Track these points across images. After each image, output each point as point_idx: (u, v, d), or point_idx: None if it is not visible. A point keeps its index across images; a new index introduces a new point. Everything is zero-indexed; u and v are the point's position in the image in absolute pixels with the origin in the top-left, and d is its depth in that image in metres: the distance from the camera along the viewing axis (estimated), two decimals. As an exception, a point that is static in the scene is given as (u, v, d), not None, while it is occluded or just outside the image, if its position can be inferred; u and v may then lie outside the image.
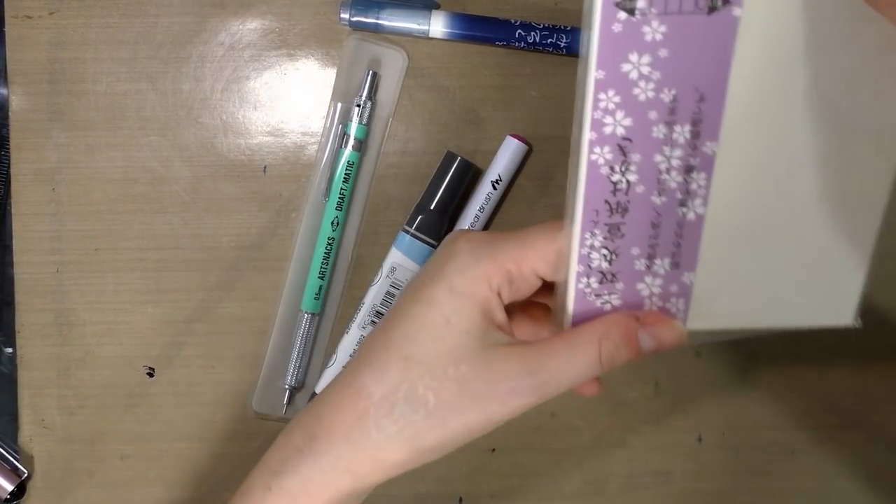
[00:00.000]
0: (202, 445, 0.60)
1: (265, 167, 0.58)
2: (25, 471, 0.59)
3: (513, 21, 0.56)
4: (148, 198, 0.58)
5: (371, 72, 0.57)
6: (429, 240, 0.56)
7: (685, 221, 0.38)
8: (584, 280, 0.39)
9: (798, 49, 0.34)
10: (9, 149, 0.58)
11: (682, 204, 0.37)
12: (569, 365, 0.38)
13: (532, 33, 0.56)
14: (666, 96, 0.34)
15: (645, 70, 0.34)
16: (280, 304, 0.59)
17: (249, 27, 0.58)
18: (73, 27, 0.58)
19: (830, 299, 0.41)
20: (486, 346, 0.39)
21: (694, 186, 0.37)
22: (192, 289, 0.59)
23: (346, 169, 0.57)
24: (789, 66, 0.35)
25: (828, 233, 0.39)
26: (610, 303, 0.40)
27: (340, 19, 0.57)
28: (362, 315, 0.57)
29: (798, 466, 0.60)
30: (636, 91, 0.34)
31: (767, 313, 0.41)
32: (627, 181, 0.36)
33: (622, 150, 0.35)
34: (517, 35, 0.56)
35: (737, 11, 0.33)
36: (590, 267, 0.38)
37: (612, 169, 0.36)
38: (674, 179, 0.36)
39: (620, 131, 0.35)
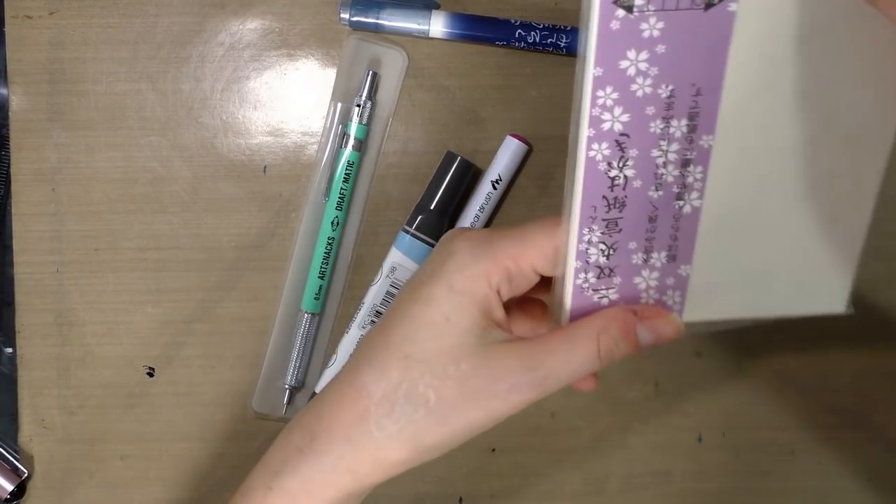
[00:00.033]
0: (202, 445, 0.60)
1: (265, 167, 0.59)
2: (25, 471, 0.60)
3: (513, 21, 0.57)
4: (148, 198, 0.59)
5: (371, 72, 0.58)
6: (429, 240, 0.57)
7: (682, 215, 0.39)
8: (582, 275, 0.40)
9: (793, 42, 0.35)
10: (9, 149, 0.59)
11: (679, 197, 0.38)
12: (568, 360, 0.39)
13: (532, 33, 0.57)
14: (663, 92, 0.35)
15: (643, 66, 0.35)
16: (280, 304, 0.59)
17: (249, 27, 0.59)
18: (73, 27, 0.59)
19: (823, 287, 0.42)
20: (486, 343, 0.39)
21: (690, 180, 0.38)
22: (192, 289, 0.60)
23: (346, 169, 0.58)
24: (784, 59, 0.36)
25: (820, 223, 0.40)
26: (607, 297, 0.40)
27: (340, 19, 0.57)
28: (362, 315, 0.58)
29: (798, 466, 0.61)
30: (634, 87, 0.35)
31: (763, 303, 0.42)
32: (625, 176, 0.37)
33: (620, 146, 0.36)
34: (517, 35, 0.57)
35: (733, 6, 0.34)
36: (587, 262, 0.39)
37: (609, 165, 0.37)
38: (671, 174, 0.37)
39: (618, 127, 0.36)
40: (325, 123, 0.59)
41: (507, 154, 0.57)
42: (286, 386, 0.59)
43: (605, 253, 0.39)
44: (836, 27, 0.35)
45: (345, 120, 0.58)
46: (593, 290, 0.40)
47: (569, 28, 0.57)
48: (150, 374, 0.60)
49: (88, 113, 0.59)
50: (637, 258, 0.40)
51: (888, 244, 0.59)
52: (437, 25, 0.57)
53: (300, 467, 0.41)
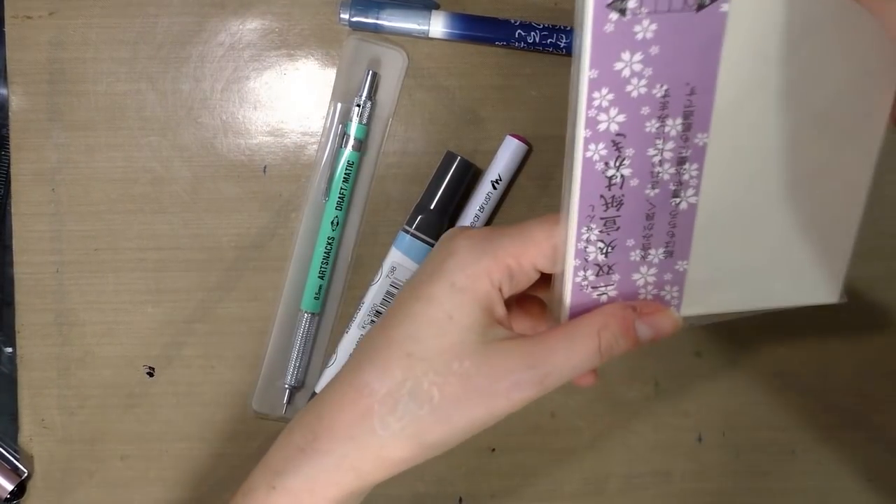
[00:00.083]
0: (202, 445, 0.61)
1: (265, 167, 0.60)
2: (25, 470, 0.61)
3: (512, 21, 0.58)
4: (148, 198, 0.60)
5: (371, 72, 0.59)
6: (429, 239, 0.58)
7: (678, 211, 0.40)
8: (581, 273, 0.41)
9: (784, 42, 0.37)
10: (9, 149, 0.60)
11: (675, 195, 0.40)
12: (569, 357, 0.40)
13: (532, 33, 0.58)
14: (658, 91, 0.37)
15: (637, 67, 0.36)
16: (280, 303, 0.61)
17: (249, 27, 0.60)
18: (73, 27, 0.60)
19: (818, 278, 0.43)
20: (488, 341, 0.40)
21: (686, 177, 0.39)
22: (192, 289, 0.61)
23: (346, 169, 0.59)
24: (776, 58, 0.37)
25: (814, 216, 0.42)
26: (606, 294, 0.42)
27: (340, 19, 0.58)
28: (362, 315, 0.59)
29: (798, 466, 0.62)
30: (629, 88, 0.36)
31: (759, 295, 0.44)
32: (622, 175, 0.39)
33: (616, 146, 0.38)
34: (517, 35, 0.58)
35: (724, 7, 0.35)
36: (586, 260, 0.41)
37: (606, 164, 0.38)
38: (667, 171, 0.39)
39: (614, 128, 0.37)
40: (325, 123, 0.60)
41: (506, 154, 0.58)
42: (286, 386, 0.60)
43: (604, 251, 0.41)
44: (826, 25, 0.37)
45: (345, 120, 0.59)
46: (592, 287, 0.42)
47: (568, 28, 0.58)
48: (150, 374, 0.61)
49: (88, 113, 0.60)
50: (635, 255, 0.41)
51: (887, 244, 0.60)
52: (437, 25, 0.58)
53: (303, 466, 0.42)
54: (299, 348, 0.60)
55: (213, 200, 0.61)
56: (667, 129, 0.38)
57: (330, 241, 0.59)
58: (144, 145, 0.60)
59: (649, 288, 0.42)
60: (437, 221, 0.58)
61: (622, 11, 0.34)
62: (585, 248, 0.40)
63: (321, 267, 0.60)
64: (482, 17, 0.59)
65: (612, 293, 0.42)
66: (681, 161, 0.39)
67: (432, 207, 0.58)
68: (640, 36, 0.35)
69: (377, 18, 0.58)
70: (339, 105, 0.60)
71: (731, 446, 0.62)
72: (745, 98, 0.38)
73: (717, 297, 0.43)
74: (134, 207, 0.61)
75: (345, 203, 0.59)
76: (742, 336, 0.61)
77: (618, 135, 0.38)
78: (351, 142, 0.59)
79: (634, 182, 0.39)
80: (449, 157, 0.59)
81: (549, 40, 0.58)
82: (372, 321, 0.59)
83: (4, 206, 0.61)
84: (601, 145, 0.38)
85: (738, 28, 0.36)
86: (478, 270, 0.41)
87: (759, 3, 0.36)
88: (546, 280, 0.43)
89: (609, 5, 0.34)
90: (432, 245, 0.58)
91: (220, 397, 0.61)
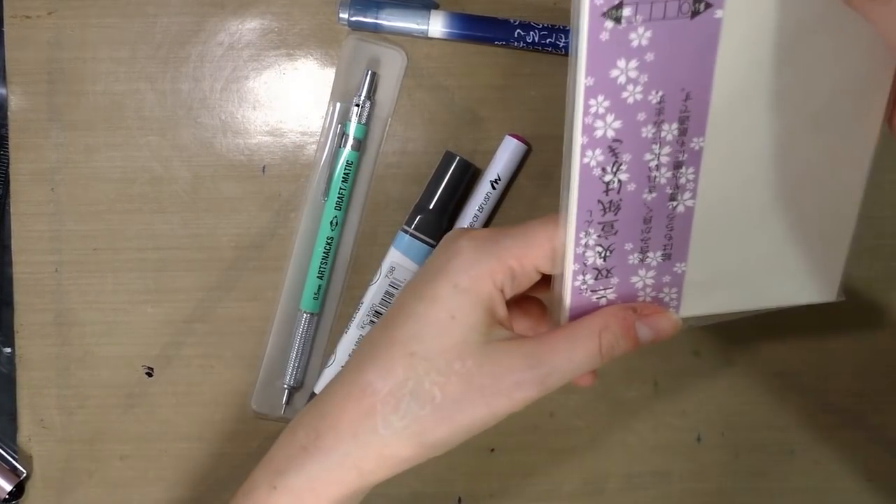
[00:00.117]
0: (202, 445, 0.62)
1: (264, 167, 0.61)
2: (24, 471, 0.61)
3: (512, 21, 0.59)
4: (147, 198, 0.61)
5: (370, 71, 0.59)
6: (428, 239, 0.59)
7: (675, 214, 0.41)
8: (580, 277, 0.42)
9: (778, 46, 0.38)
10: (8, 149, 0.61)
11: (672, 198, 0.41)
12: (570, 357, 0.41)
13: (531, 33, 0.58)
14: (654, 97, 0.38)
15: (632, 74, 0.37)
16: (279, 303, 0.61)
17: (248, 27, 0.61)
18: (72, 27, 0.61)
19: (816, 277, 0.45)
20: (490, 341, 0.41)
21: (683, 181, 0.40)
22: (192, 289, 0.61)
23: (345, 168, 0.59)
24: (770, 62, 0.38)
25: (810, 216, 0.43)
26: (605, 297, 0.43)
27: (339, 19, 0.59)
28: (361, 315, 0.60)
29: (797, 466, 0.62)
30: (625, 94, 0.37)
31: (757, 295, 0.45)
32: (619, 181, 0.40)
33: (613, 152, 0.39)
34: (516, 35, 0.59)
35: (718, 14, 0.36)
36: (585, 265, 0.42)
37: (603, 170, 0.39)
38: (663, 175, 0.40)
39: (611, 134, 0.38)
40: (324, 123, 0.61)
41: (506, 154, 0.59)
42: (285, 386, 0.61)
43: (602, 255, 0.41)
44: (818, 30, 0.38)
45: (344, 120, 0.60)
46: (591, 290, 0.43)
47: (568, 28, 0.59)
48: (150, 374, 0.62)
49: (87, 113, 0.61)
50: (633, 258, 0.42)
51: (887, 244, 0.61)
52: (437, 25, 0.59)
53: (305, 465, 0.42)
54: (298, 348, 0.61)
55: (213, 200, 0.61)
56: (663, 133, 0.39)
57: (329, 240, 0.60)
58: (143, 145, 0.61)
59: (648, 290, 0.43)
60: (437, 221, 0.59)
61: (617, 20, 0.35)
62: (584, 252, 0.41)
63: (320, 267, 0.60)
64: (481, 16, 0.59)
65: (612, 296, 0.43)
66: (677, 165, 0.40)
67: (431, 207, 0.59)
68: (635, 43, 0.36)
69: (376, 18, 0.59)
70: (338, 105, 0.60)
71: (731, 446, 0.62)
72: (740, 102, 0.39)
73: (715, 298, 0.44)
74: (133, 207, 0.61)
75: (344, 203, 0.60)
76: (741, 336, 0.62)
77: (614, 140, 0.38)
78: (350, 141, 0.59)
79: (632, 187, 0.40)
80: (448, 157, 0.59)
81: (548, 40, 0.59)
82: (371, 321, 0.60)
83: (3, 206, 0.61)
84: (598, 151, 0.39)
85: (732, 34, 0.37)
86: (481, 271, 0.41)
87: (753, 10, 0.37)
88: (546, 281, 0.44)
89: (604, 14, 0.35)
90: (431, 245, 0.59)
91: (220, 397, 0.62)
